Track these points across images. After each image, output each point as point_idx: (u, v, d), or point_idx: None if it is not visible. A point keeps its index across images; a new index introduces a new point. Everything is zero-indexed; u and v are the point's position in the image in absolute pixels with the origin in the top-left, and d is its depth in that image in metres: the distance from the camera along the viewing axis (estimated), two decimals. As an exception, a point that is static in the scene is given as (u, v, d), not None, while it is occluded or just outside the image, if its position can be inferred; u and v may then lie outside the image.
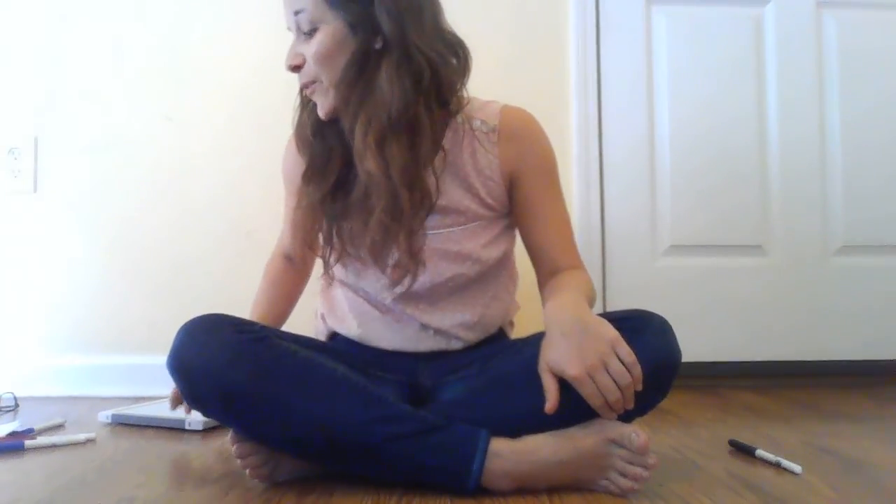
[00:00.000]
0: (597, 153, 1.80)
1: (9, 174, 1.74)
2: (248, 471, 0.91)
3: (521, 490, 0.87)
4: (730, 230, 1.82)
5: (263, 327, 0.93)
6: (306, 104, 1.03)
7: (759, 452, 1.04)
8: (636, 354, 0.87)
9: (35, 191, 1.75)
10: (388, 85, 0.91)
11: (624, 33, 1.82)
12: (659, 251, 1.82)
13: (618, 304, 1.77)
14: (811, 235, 1.83)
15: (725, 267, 1.81)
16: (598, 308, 1.73)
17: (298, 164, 1.04)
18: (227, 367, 0.86)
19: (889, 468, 1.01)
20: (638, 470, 0.86)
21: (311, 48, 0.96)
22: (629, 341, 0.90)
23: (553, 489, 0.88)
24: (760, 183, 1.83)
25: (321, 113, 0.99)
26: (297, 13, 0.96)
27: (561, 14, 1.80)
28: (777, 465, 0.99)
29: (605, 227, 1.80)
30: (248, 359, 0.87)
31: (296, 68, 0.98)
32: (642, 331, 0.92)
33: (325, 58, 0.95)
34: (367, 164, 0.92)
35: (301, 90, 1.02)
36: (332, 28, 0.95)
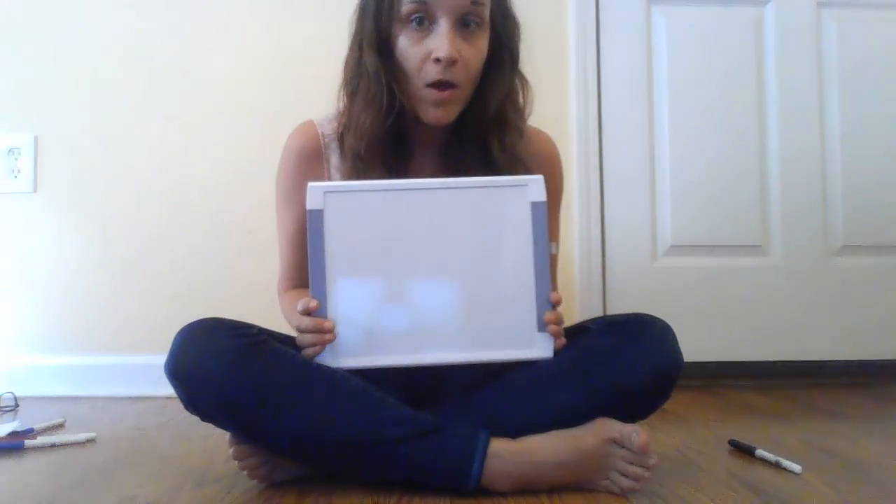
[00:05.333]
0: (597, 153, 1.80)
1: (9, 174, 1.74)
2: (246, 472, 0.92)
3: (522, 490, 0.87)
4: (730, 230, 1.82)
5: (261, 331, 0.93)
6: (388, 108, 0.96)
7: (759, 452, 1.04)
8: (638, 359, 0.88)
9: (35, 191, 1.74)
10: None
11: (624, 33, 1.82)
12: (659, 251, 1.82)
13: (618, 304, 1.77)
14: (811, 235, 1.83)
15: (725, 267, 1.81)
16: (598, 310, 1.75)
17: (311, 176, 1.00)
18: (225, 373, 0.85)
19: (889, 468, 1.01)
20: (638, 470, 0.86)
21: (473, 52, 0.94)
22: (631, 345, 0.90)
23: (553, 489, 0.88)
24: (760, 183, 1.83)
25: (440, 120, 0.96)
26: (476, 3, 0.93)
27: (561, 14, 1.80)
28: (777, 465, 1.00)
29: (606, 228, 1.80)
30: (246, 364, 0.86)
31: (453, 62, 0.92)
32: (644, 336, 0.93)
33: (478, 66, 0.96)
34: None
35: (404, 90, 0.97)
36: (486, 38, 0.97)
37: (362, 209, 0.88)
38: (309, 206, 0.87)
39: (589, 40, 1.80)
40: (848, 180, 1.84)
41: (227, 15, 1.76)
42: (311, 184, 0.88)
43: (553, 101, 1.76)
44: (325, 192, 0.87)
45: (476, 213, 0.89)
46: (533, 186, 0.88)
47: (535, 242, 0.88)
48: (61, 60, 1.76)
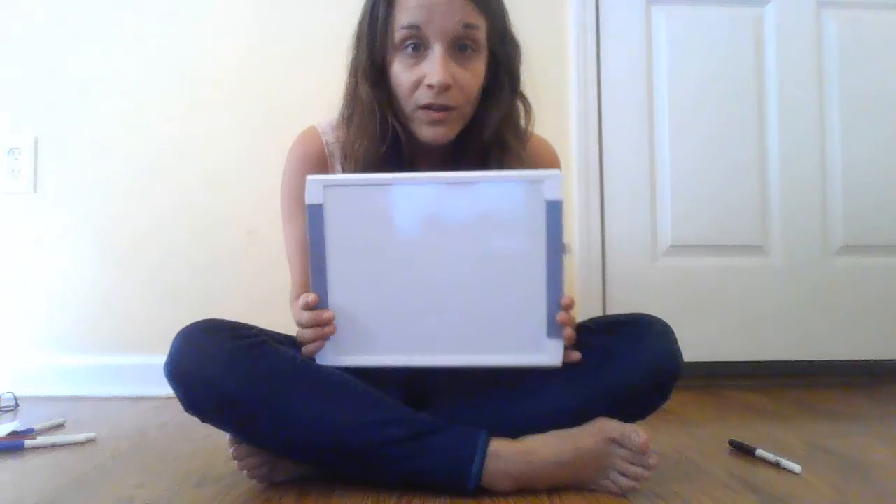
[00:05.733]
0: (597, 153, 1.80)
1: (9, 174, 1.74)
2: (246, 472, 0.92)
3: (522, 490, 0.87)
4: (730, 230, 1.82)
5: (261, 331, 0.93)
6: (381, 136, 0.95)
7: (759, 452, 1.04)
8: (637, 359, 0.89)
9: (35, 191, 1.74)
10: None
11: (624, 33, 1.82)
12: (659, 251, 1.82)
13: (618, 303, 1.77)
14: (811, 235, 1.83)
15: (725, 267, 1.81)
16: (598, 310, 1.75)
17: None
18: (225, 374, 0.85)
19: (889, 468, 1.01)
20: (638, 470, 0.86)
21: (469, 76, 0.93)
22: (631, 345, 0.90)
23: (553, 489, 0.88)
24: (760, 183, 1.83)
25: (438, 139, 0.95)
26: (468, 26, 0.91)
27: (561, 14, 1.80)
28: (777, 465, 1.00)
29: (606, 228, 1.80)
30: (245, 365, 0.86)
31: (446, 88, 0.91)
32: (644, 335, 0.93)
33: (475, 89, 0.95)
34: None
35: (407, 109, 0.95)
36: (482, 62, 0.96)
37: (364, 204, 0.85)
38: (308, 200, 0.84)
39: (589, 40, 1.80)
40: (848, 180, 1.84)
41: (230, 14, 1.77)
42: (309, 177, 0.85)
43: (553, 102, 1.76)
44: (325, 186, 0.84)
45: (485, 209, 0.84)
46: (549, 183, 0.82)
47: (549, 244, 0.83)
48: (61, 60, 1.75)
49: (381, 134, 0.96)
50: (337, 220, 0.84)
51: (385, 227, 0.85)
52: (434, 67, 0.91)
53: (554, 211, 0.82)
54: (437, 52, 0.92)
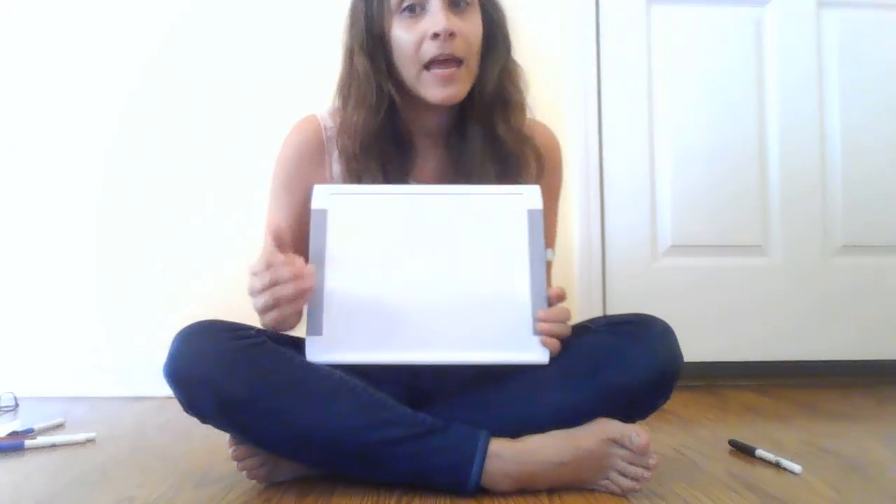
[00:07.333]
0: (596, 153, 1.80)
1: (9, 172, 1.74)
2: (245, 472, 0.92)
3: (522, 490, 0.87)
4: (730, 230, 1.82)
5: (260, 332, 0.92)
6: (378, 105, 0.97)
7: (759, 452, 1.04)
8: (638, 359, 0.89)
9: (35, 190, 1.74)
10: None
11: (624, 33, 1.82)
12: (659, 251, 1.82)
13: (618, 303, 1.77)
14: (811, 235, 1.83)
15: (725, 267, 1.81)
16: (598, 310, 1.75)
17: (312, 170, 1.01)
18: (225, 375, 0.85)
19: (889, 468, 1.01)
20: (639, 470, 0.86)
21: (470, 26, 0.97)
22: (631, 345, 0.90)
23: (554, 489, 0.88)
24: (760, 183, 1.83)
25: (450, 98, 0.96)
26: None
27: (561, 14, 1.80)
28: (777, 465, 1.00)
29: (606, 228, 1.80)
30: (245, 365, 0.86)
31: (451, 35, 0.93)
32: (644, 335, 0.93)
33: (477, 40, 0.98)
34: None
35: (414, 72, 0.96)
36: (478, 16, 0.99)
37: (365, 211, 0.92)
38: (314, 205, 0.91)
39: (589, 40, 1.80)
40: (848, 180, 1.84)
41: (233, 15, 1.77)
42: (317, 185, 0.93)
43: (553, 102, 1.76)
44: (331, 194, 0.92)
45: (474, 219, 0.92)
46: (529, 195, 0.93)
47: (531, 249, 0.90)
48: (61, 60, 1.75)
49: (377, 104, 0.97)
50: (339, 225, 0.91)
51: (382, 233, 0.92)
52: (436, 18, 0.94)
53: (534, 219, 0.91)
54: (435, 4, 0.94)
